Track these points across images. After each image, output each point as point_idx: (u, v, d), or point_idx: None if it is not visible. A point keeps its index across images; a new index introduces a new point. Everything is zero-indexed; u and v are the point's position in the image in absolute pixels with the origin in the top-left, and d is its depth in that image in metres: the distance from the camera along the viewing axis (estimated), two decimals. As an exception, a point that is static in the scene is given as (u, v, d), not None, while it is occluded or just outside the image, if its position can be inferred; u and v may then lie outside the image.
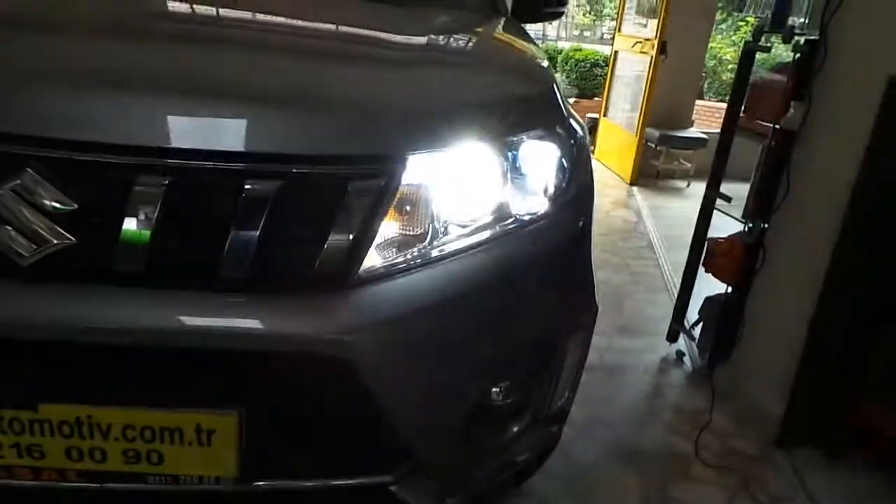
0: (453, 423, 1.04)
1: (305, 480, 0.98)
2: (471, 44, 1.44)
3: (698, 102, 5.85)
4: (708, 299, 2.33)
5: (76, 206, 0.81)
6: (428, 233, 0.99)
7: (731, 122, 2.30)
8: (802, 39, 1.91)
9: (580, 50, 8.75)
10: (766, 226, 2.06)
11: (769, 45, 2.24)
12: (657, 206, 4.60)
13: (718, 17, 8.67)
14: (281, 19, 1.31)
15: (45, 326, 0.82)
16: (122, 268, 0.84)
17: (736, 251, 2.18)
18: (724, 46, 9.36)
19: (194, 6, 1.26)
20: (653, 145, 5.22)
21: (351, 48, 1.24)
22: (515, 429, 1.15)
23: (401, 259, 0.96)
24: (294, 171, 0.87)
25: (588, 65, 8.21)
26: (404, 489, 1.02)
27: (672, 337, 2.50)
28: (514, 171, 1.07)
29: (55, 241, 0.81)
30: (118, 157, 0.82)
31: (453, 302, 0.98)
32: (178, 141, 0.83)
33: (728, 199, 2.29)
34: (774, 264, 2.04)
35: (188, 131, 0.85)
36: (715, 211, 2.37)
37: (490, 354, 1.05)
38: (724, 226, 2.37)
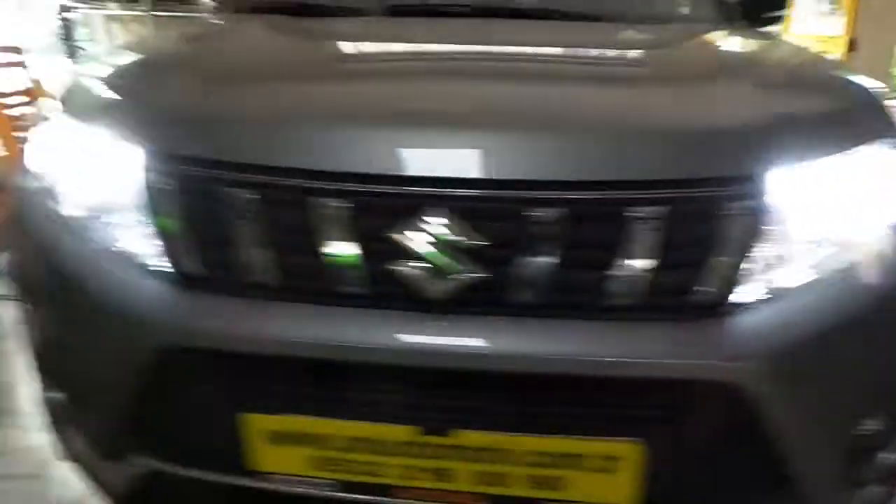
0: (835, 455, 0.98)
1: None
2: (774, 55, 1.39)
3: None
4: None
5: (484, 242, 0.85)
6: (795, 257, 0.94)
7: None
8: None
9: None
10: None
11: None
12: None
13: None
14: (556, 50, 1.35)
15: (460, 357, 0.87)
16: (519, 298, 0.86)
17: None
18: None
19: (469, 48, 1.34)
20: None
21: (666, 69, 1.24)
22: (888, 459, 1.06)
23: (773, 284, 0.92)
24: (677, 195, 0.86)
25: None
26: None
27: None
28: (866, 185, 1.00)
29: (464, 275, 0.85)
30: (518, 192, 0.85)
31: (833, 324, 0.92)
32: (568, 175, 0.86)
33: None
34: None
35: (579, 164, 0.87)
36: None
37: (868, 383, 0.98)
38: None
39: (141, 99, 1.04)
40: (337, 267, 0.87)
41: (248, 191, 0.88)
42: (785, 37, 4.18)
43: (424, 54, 1.33)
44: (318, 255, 0.88)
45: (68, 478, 1.48)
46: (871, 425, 1.01)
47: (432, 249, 0.84)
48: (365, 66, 1.32)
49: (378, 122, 0.93)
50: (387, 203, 0.86)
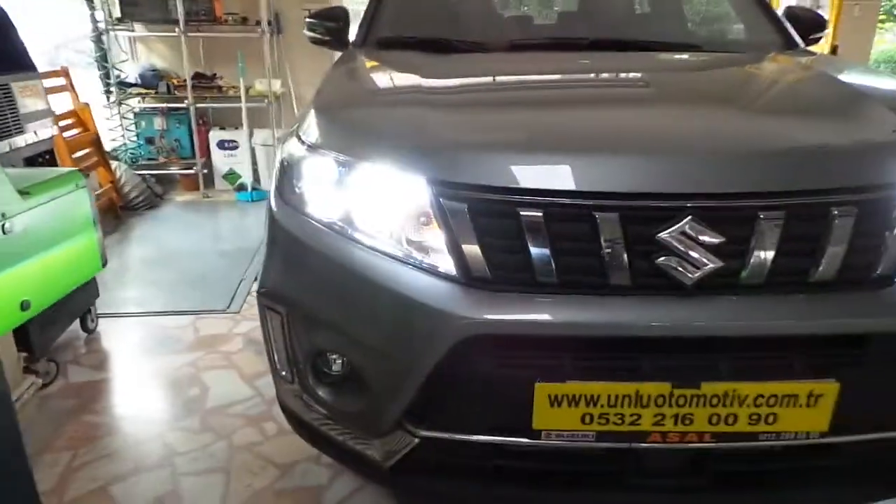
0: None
1: (866, 433, 1.26)
2: (864, 76, 1.75)
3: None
4: None
5: (723, 239, 1.14)
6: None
7: None
8: None
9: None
10: None
11: None
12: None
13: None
14: (694, 76, 1.69)
15: (710, 328, 1.16)
16: (749, 281, 1.16)
17: None
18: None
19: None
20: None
21: (804, 97, 1.57)
22: None
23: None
24: (863, 199, 1.17)
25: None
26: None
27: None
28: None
29: (710, 265, 1.14)
30: (744, 200, 1.15)
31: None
32: (784, 186, 1.16)
33: None
34: None
35: (793, 176, 1.17)
36: None
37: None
38: None
39: (423, 138, 1.29)
40: (610, 264, 1.15)
41: (537, 209, 1.15)
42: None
43: (617, 83, 1.65)
44: (593, 255, 1.15)
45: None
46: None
47: (685, 247, 1.14)
48: (589, 98, 1.62)
49: (640, 153, 1.21)
50: (648, 214, 1.14)
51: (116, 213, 4.30)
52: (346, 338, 1.32)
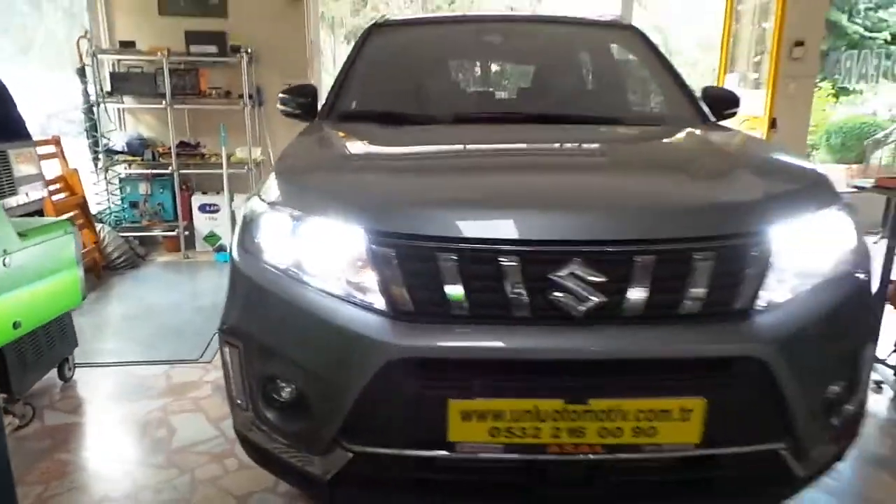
0: (816, 407, 1.53)
1: (733, 447, 1.47)
2: (754, 147, 2.05)
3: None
4: (901, 332, 2.74)
5: (605, 278, 1.39)
6: (787, 279, 1.52)
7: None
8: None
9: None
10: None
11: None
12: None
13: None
14: (607, 150, 1.98)
15: (594, 353, 1.39)
16: (627, 313, 1.40)
17: (922, 289, 2.61)
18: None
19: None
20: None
21: (698, 163, 1.86)
22: (847, 412, 1.62)
23: (775, 296, 1.49)
24: (721, 245, 1.43)
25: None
26: (788, 454, 1.50)
27: (869, 369, 2.88)
28: (825, 234, 1.60)
29: (595, 300, 1.38)
30: (622, 246, 1.41)
31: (813, 321, 1.49)
32: (656, 234, 1.42)
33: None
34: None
35: (663, 229, 1.43)
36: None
37: (835, 357, 1.55)
38: None
39: (361, 196, 1.54)
40: (512, 300, 1.39)
41: (452, 254, 1.39)
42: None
43: (534, 152, 1.95)
44: (498, 292, 1.39)
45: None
46: (838, 386, 1.58)
47: (574, 285, 1.38)
48: (506, 164, 1.91)
49: (537, 208, 1.47)
50: (543, 257, 1.39)
51: (98, 272, 4.49)
52: (293, 365, 1.53)
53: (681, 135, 2.22)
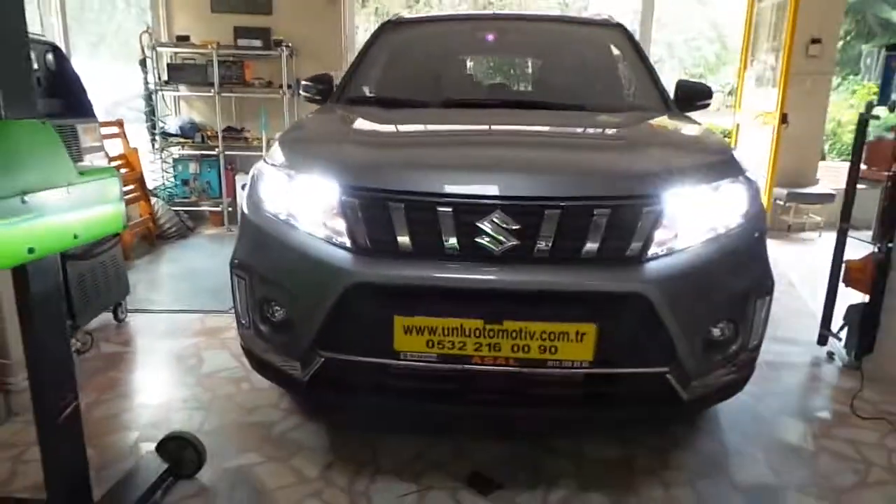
0: (698, 340, 1.87)
1: (624, 367, 1.83)
2: (682, 129, 2.39)
3: (822, 163, 6.40)
4: (850, 307, 2.99)
5: (519, 226, 1.77)
6: (678, 235, 1.86)
7: (854, 169, 3.02)
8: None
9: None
10: (891, 245, 2.75)
11: (877, 116, 2.98)
12: (791, 253, 5.19)
13: (834, 80, 9.16)
14: (571, 129, 2.34)
15: (507, 284, 1.77)
16: (537, 255, 1.78)
17: (870, 267, 2.86)
18: (843, 108, 9.79)
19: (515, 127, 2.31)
20: (781, 202, 5.84)
21: (620, 139, 2.21)
22: (731, 350, 1.95)
23: (665, 248, 1.84)
24: (614, 204, 1.79)
25: (707, 137, 8.97)
26: (673, 377, 1.85)
27: (821, 341, 3.15)
28: (720, 200, 1.94)
29: (509, 243, 1.77)
30: (534, 202, 1.78)
31: (694, 269, 1.83)
32: (563, 193, 1.79)
33: (856, 228, 2.99)
34: (900, 272, 2.71)
35: (569, 189, 1.80)
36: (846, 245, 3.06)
37: (715, 301, 1.89)
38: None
39: (336, 158, 1.98)
40: (446, 241, 1.78)
41: (400, 204, 1.80)
42: (734, 112, 5.30)
43: (488, 130, 2.34)
44: (435, 234, 1.79)
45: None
46: (721, 327, 1.92)
47: (494, 230, 1.77)
48: (457, 137, 2.32)
49: (468, 170, 1.87)
50: (471, 209, 1.78)
51: (152, 240, 5.08)
52: (282, 290, 1.97)
53: (628, 120, 2.56)
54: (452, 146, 2.19)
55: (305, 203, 1.96)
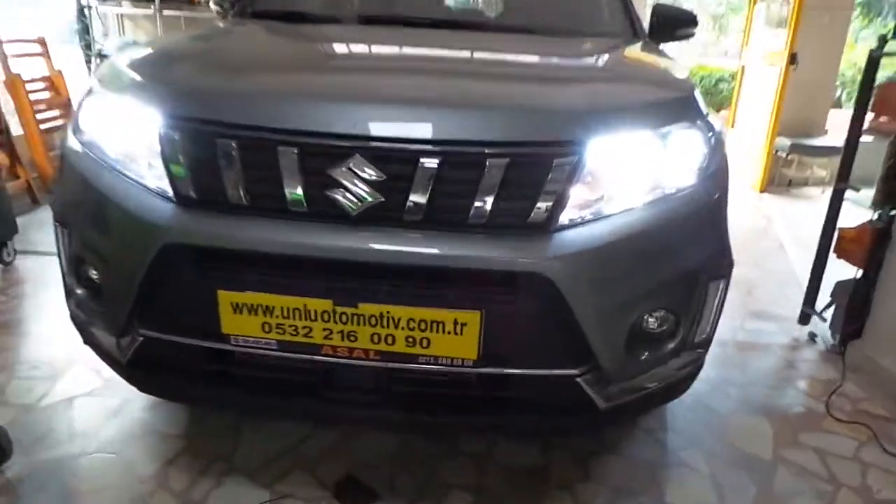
0: (621, 335, 1.42)
1: (520, 368, 1.40)
2: (628, 60, 1.86)
3: (835, 112, 5.79)
4: (839, 283, 2.53)
5: (384, 177, 1.30)
6: (604, 196, 1.39)
7: (859, 117, 2.50)
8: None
9: (704, 67, 8.85)
10: (894, 212, 2.26)
11: (893, 53, 2.43)
12: (788, 211, 4.69)
13: (859, 24, 8.40)
14: (489, 55, 1.81)
15: (364, 254, 1.32)
16: (408, 217, 1.32)
17: (866, 237, 2.38)
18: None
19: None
20: (783, 154, 5.29)
21: (545, 69, 1.70)
22: (668, 347, 1.51)
23: (585, 214, 1.37)
24: (513, 152, 1.31)
25: (713, 80, 8.32)
26: (586, 382, 1.42)
27: (804, 320, 2.71)
28: (667, 152, 1.45)
29: (371, 200, 1.30)
30: (409, 146, 1.31)
31: (621, 243, 1.37)
32: (441, 135, 1.31)
33: (857, 189, 2.49)
34: (902, 246, 2.23)
35: (450, 130, 1.32)
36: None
37: (648, 285, 1.43)
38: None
39: (157, 78, 1.49)
40: (288, 193, 1.32)
41: (230, 140, 1.33)
42: (739, 47, 4.57)
43: (367, 50, 1.80)
44: (276, 185, 1.33)
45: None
46: (656, 317, 1.47)
47: (350, 182, 1.30)
48: (318, 54, 1.79)
49: (321, 98, 1.38)
50: (323, 150, 1.31)
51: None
52: (92, 248, 1.52)
53: (575, 48, 2.03)
54: (315, 70, 1.68)
55: (121, 135, 1.49)
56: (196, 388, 1.55)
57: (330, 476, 1.71)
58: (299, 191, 1.33)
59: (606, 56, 1.92)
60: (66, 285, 1.69)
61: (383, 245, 1.32)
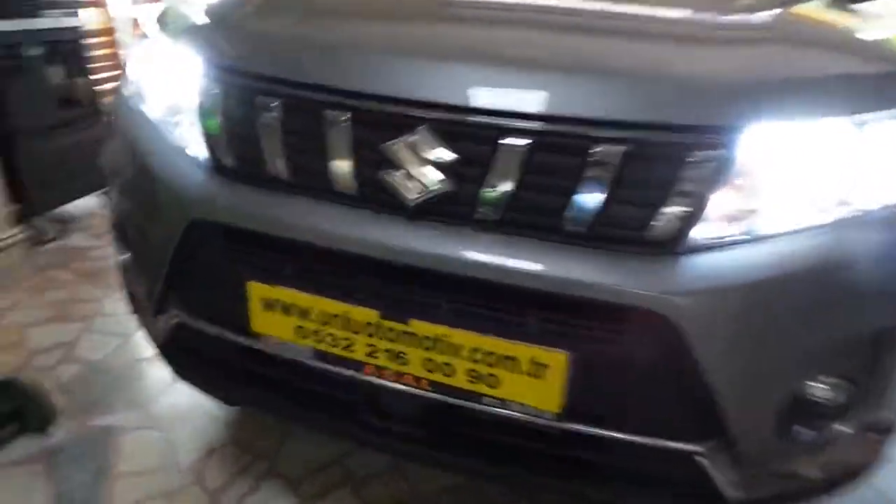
0: (770, 407, 1.01)
1: (618, 432, 1.03)
2: (807, 20, 1.34)
3: None
4: None
5: (455, 157, 0.97)
6: (763, 209, 0.97)
7: None
8: None
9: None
10: None
11: None
12: None
13: None
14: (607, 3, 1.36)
15: (421, 258, 1.00)
16: (482, 215, 0.98)
17: None
18: None
19: None
20: None
21: (687, 25, 1.25)
22: (835, 429, 1.07)
23: (732, 232, 0.96)
24: (637, 137, 0.92)
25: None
26: (710, 462, 1.03)
27: None
28: (867, 151, 0.99)
29: (434, 188, 0.98)
30: (492, 119, 0.96)
31: (787, 279, 0.95)
32: (536, 108, 0.94)
33: None
34: None
35: (549, 101, 0.95)
36: None
37: (819, 342, 1.00)
38: None
39: (207, 22, 1.25)
40: (334, 169, 1.03)
41: (270, 99, 1.06)
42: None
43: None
44: (320, 158, 1.04)
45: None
46: (824, 386, 1.03)
47: (410, 162, 0.98)
48: (373, 8, 1.41)
49: (377, 51, 1.06)
50: (380, 119, 1.00)
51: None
52: (128, 209, 1.34)
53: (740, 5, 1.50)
54: (373, 16, 1.28)
55: (165, 88, 1.27)
56: (228, 384, 1.34)
57: (377, 498, 1.46)
58: (347, 168, 1.03)
59: (777, 12, 1.38)
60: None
61: (444, 248, 0.99)
